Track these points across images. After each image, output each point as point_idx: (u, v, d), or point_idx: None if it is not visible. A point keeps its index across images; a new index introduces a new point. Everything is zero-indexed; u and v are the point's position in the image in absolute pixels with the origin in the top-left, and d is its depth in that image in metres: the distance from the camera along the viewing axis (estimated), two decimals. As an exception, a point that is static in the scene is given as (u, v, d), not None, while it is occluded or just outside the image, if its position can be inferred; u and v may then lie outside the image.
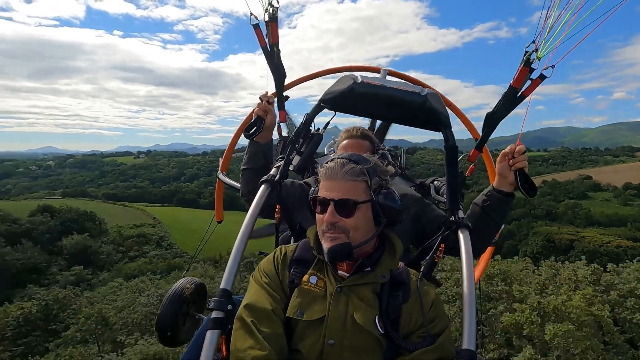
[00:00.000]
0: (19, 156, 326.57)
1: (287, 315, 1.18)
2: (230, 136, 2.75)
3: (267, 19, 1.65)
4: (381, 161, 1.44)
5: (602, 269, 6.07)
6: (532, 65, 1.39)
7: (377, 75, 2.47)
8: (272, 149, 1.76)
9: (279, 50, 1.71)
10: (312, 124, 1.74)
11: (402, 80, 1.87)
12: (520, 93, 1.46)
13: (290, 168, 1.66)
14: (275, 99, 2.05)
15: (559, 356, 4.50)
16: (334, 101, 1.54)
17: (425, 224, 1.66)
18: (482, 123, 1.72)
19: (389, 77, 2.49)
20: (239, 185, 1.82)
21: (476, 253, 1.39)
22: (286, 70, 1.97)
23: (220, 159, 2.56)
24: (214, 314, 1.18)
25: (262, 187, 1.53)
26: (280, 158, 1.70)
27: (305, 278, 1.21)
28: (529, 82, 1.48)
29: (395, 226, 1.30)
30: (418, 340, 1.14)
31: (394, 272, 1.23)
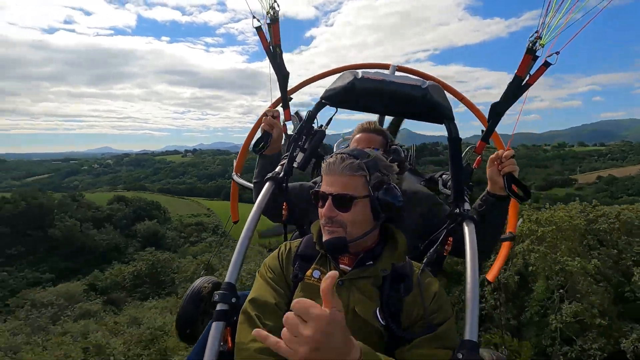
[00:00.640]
0: (81, 156, 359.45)
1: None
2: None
3: (268, 21, 1.66)
4: (389, 157, 1.41)
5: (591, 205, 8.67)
6: (537, 53, 1.36)
7: (386, 71, 2.45)
8: (280, 161, 1.77)
9: (281, 51, 1.72)
10: (315, 121, 1.76)
11: (404, 75, 1.92)
12: (525, 82, 1.42)
13: (295, 165, 1.68)
14: (276, 105, 2.12)
15: (546, 246, 7.50)
16: (335, 98, 1.56)
17: (437, 223, 1.59)
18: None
19: (398, 73, 2.48)
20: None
21: (480, 256, 1.34)
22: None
23: (234, 161, 2.59)
24: (218, 307, 1.23)
25: (267, 184, 1.56)
26: (285, 156, 1.73)
27: (308, 272, 1.20)
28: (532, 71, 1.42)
29: (398, 222, 1.28)
30: (418, 330, 1.13)
31: (396, 266, 1.22)
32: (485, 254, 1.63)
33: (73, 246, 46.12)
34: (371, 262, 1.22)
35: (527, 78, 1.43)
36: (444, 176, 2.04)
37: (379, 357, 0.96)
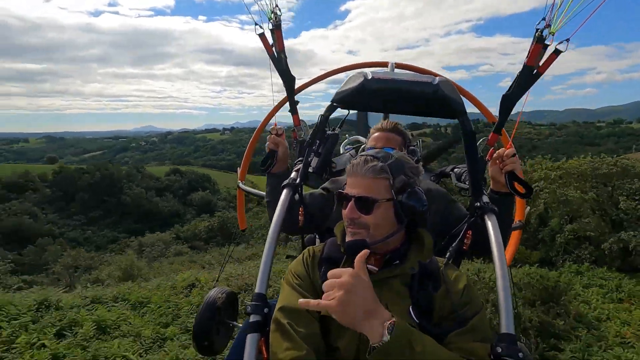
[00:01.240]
0: (128, 134, 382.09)
1: (322, 314, 1.16)
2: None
3: (271, 27, 1.66)
4: (411, 158, 1.40)
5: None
6: (546, 42, 1.33)
7: (386, 69, 2.47)
8: (295, 166, 1.79)
9: (285, 57, 1.72)
10: (327, 125, 1.75)
11: (412, 72, 1.86)
12: (535, 71, 1.39)
13: (310, 170, 1.69)
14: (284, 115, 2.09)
15: (557, 185, 10.19)
16: (346, 100, 1.56)
17: (452, 221, 1.62)
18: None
19: (397, 70, 2.50)
20: (262, 193, 1.93)
21: (488, 252, 1.35)
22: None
23: (238, 169, 2.52)
24: (252, 318, 1.23)
25: (284, 191, 1.57)
26: (299, 161, 1.75)
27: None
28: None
29: (421, 225, 1.27)
30: (450, 325, 1.12)
31: (423, 264, 1.21)
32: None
33: (141, 211, 52.70)
34: (398, 262, 1.21)
35: (538, 67, 1.38)
36: (455, 170, 2.01)
37: (408, 327, 0.99)
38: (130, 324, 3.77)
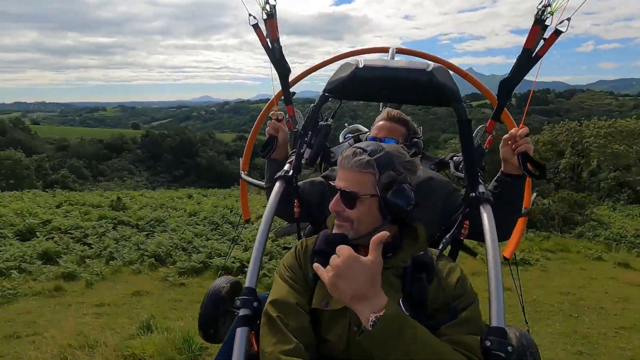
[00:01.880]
0: (188, 104, 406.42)
1: (312, 306, 1.18)
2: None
3: (264, 16, 1.60)
4: (410, 150, 1.39)
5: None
6: (546, 22, 1.30)
7: (386, 55, 2.36)
8: (288, 158, 1.73)
9: (280, 47, 1.66)
10: (320, 115, 1.74)
11: (407, 59, 1.77)
12: (535, 53, 1.35)
13: (303, 161, 1.67)
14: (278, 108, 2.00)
15: (605, 140, 12.26)
16: (338, 90, 1.53)
17: (454, 212, 1.56)
18: None
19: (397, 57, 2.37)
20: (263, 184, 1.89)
21: (500, 237, 1.31)
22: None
23: (241, 159, 2.51)
24: (241, 312, 1.22)
25: (277, 183, 1.54)
26: (292, 153, 1.70)
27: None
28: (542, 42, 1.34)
29: (408, 223, 1.23)
30: (442, 317, 1.10)
31: (416, 256, 1.18)
32: (507, 234, 1.64)
33: (214, 172, 59.40)
34: (390, 255, 1.18)
35: (537, 49, 1.34)
36: (454, 158, 1.98)
37: (404, 314, 0.99)
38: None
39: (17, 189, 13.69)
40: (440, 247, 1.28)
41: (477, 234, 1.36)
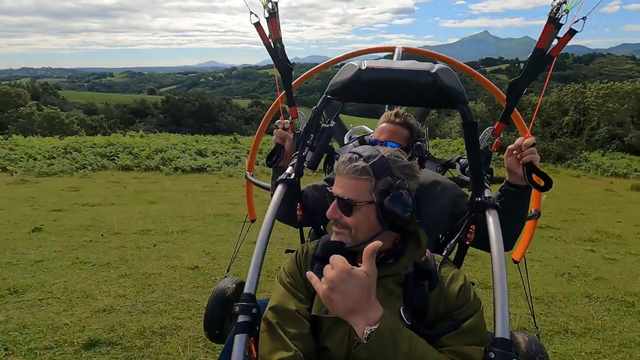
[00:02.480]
0: (194, 69, 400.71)
1: (312, 313, 1.15)
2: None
3: (266, 15, 1.56)
4: (410, 154, 1.34)
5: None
6: (560, 21, 1.23)
7: (393, 53, 2.30)
8: (290, 161, 1.72)
9: (282, 46, 1.63)
10: (322, 117, 1.70)
11: (411, 60, 1.65)
12: (547, 53, 1.28)
13: (305, 165, 1.64)
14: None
15: (603, 100, 14.86)
16: (340, 92, 1.49)
17: (460, 217, 1.52)
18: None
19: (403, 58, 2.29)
20: (269, 185, 1.88)
21: (505, 247, 1.25)
22: None
23: (246, 160, 2.49)
24: (240, 319, 1.19)
25: (279, 187, 1.52)
26: (294, 156, 1.68)
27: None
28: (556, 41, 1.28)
29: (406, 230, 1.19)
30: (444, 326, 1.07)
31: (418, 262, 1.16)
32: (509, 245, 1.54)
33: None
34: (391, 261, 1.16)
35: (550, 49, 1.28)
36: (461, 161, 1.93)
37: (400, 327, 0.96)
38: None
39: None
40: (444, 253, 1.27)
41: (482, 241, 1.31)
